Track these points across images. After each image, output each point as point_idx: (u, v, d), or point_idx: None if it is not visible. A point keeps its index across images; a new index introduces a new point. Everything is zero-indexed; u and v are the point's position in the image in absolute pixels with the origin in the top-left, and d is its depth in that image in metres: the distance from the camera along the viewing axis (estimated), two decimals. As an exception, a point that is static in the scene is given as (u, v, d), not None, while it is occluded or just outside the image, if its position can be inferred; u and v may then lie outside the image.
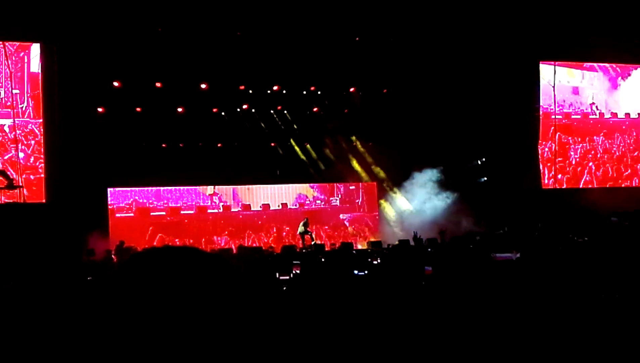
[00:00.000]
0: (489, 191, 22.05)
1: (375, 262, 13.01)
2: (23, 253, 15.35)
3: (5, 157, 18.19)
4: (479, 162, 22.80)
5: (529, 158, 22.56)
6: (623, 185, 23.80)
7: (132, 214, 21.07)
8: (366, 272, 7.71)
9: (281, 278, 11.45)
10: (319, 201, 23.40)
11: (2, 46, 18.18)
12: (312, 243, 20.86)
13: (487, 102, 21.18)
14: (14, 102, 18.20)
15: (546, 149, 22.99)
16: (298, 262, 13.61)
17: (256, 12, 18.96)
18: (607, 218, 18.43)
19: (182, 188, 21.68)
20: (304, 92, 21.92)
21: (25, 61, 18.39)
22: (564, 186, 23.10)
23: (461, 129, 21.30)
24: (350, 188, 23.58)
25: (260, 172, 21.49)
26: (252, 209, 22.47)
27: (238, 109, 21.58)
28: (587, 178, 23.55)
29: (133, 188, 21.08)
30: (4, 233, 16.33)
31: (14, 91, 18.21)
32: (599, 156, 23.77)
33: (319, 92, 22.08)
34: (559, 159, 23.13)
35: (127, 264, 1.26)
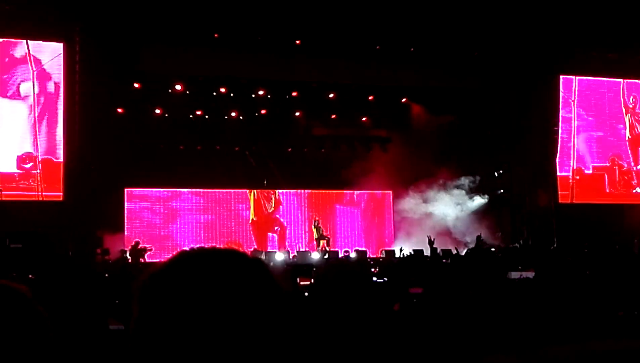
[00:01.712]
0: (505, 204, 21.98)
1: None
2: (39, 250, 15.47)
3: (23, 151, 18.31)
4: (496, 174, 22.73)
5: (546, 172, 22.42)
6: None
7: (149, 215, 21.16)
8: (385, 279, 7.69)
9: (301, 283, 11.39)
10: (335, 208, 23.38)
11: (25, 44, 18.35)
12: (326, 248, 20.82)
13: (506, 115, 21.13)
14: (35, 98, 18.35)
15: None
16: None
17: (277, 18, 19.01)
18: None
19: (199, 190, 21.73)
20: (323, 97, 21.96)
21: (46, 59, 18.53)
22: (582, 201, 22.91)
23: (479, 141, 21.25)
24: (359, 194, 23.50)
25: (276, 176, 21.55)
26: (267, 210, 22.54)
27: (256, 113, 21.63)
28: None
29: (150, 189, 21.18)
30: (20, 229, 16.45)
31: (35, 89, 18.36)
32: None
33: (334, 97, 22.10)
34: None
35: (176, 262, 1.24)
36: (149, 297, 1.19)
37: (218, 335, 1.14)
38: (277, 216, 22.72)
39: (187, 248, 1.31)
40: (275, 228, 22.58)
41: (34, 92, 18.33)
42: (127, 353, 1.20)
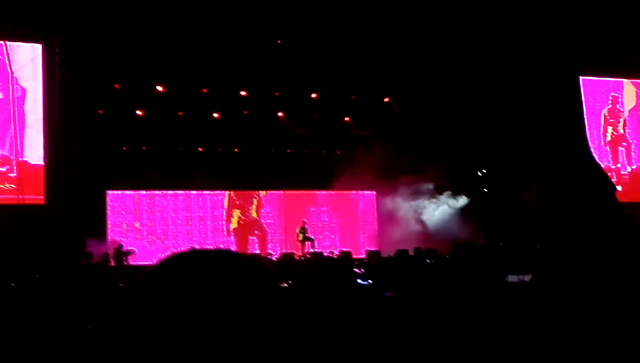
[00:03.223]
0: (489, 203, 22.02)
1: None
2: (21, 255, 15.30)
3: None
4: (479, 174, 22.78)
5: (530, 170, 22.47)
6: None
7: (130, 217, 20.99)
8: (370, 282, 7.62)
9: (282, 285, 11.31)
10: (320, 209, 23.31)
11: (3, 45, 18.16)
12: (311, 250, 20.76)
13: (488, 112, 21.15)
14: (14, 102, 18.16)
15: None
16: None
17: (259, 18, 18.96)
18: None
19: (180, 192, 21.58)
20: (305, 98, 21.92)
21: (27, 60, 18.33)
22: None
23: (463, 139, 21.27)
24: (343, 194, 23.44)
25: (259, 177, 21.45)
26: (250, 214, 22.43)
27: (244, 113, 21.53)
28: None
29: (132, 191, 21.01)
30: (1, 234, 16.28)
31: (16, 91, 18.17)
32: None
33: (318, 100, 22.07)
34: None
35: (160, 268, 1.19)
36: (141, 301, 1.15)
37: (215, 336, 1.11)
38: (259, 219, 22.60)
39: (178, 251, 1.26)
40: (256, 232, 22.46)
41: (12, 95, 18.14)
42: (121, 357, 1.16)
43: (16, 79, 18.23)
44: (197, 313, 1.11)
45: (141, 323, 1.14)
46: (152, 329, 1.12)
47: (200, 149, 21.28)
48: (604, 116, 23.99)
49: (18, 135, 18.20)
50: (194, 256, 1.21)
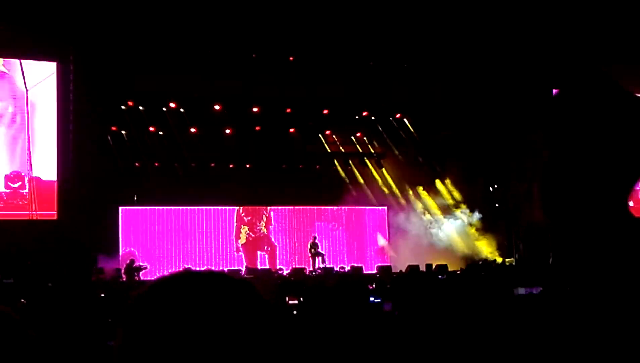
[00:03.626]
0: (501, 219, 21.97)
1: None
2: (34, 271, 15.40)
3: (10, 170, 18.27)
4: (490, 189, 22.74)
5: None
6: None
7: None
8: (379, 300, 7.58)
9: (290, 302, 11.30)
10: (330, 224, 23.29)
11: (18, 63, 18.37)
12: (321, 265, 20.71)
13: (500, 129, 21.15)
14: (28, 119, 18.34)
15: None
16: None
17: (271, 35, 19.10)
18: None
19: (192, 207, 21.63)
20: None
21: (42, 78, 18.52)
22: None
23: (475, 155, 21.27)
24: (354, 209, 23.42)
25: (271, 193, 21.48)
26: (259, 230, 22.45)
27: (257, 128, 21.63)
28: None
29: (145, 207, 21.08)
30: (15, 249, 16.39)
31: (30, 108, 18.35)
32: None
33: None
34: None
35: (150, 291, 1.18)
36: (131, 322, 1.15)
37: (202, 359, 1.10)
38: (269, 234, 22.60)
39: (170, 272, 1.28)
40: (266, 247, 22.45)
41: (26, 112, 18.32)
42: None
43: (30, 96, 18.41)
44: (186, 337, 1.11)
45: (131, 345, 1.13)
46: (142, 351, 1.12)
47: (212, 164, 21.36)
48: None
49: (31, 152, 18.35)
50: (183, 278, 1.21)
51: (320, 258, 21.08)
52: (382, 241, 22.62)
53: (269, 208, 22.55)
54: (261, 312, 1.18)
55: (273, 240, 22.59)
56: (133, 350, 1.13)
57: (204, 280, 1.20)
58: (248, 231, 22.31)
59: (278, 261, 22.14)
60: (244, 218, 22.37)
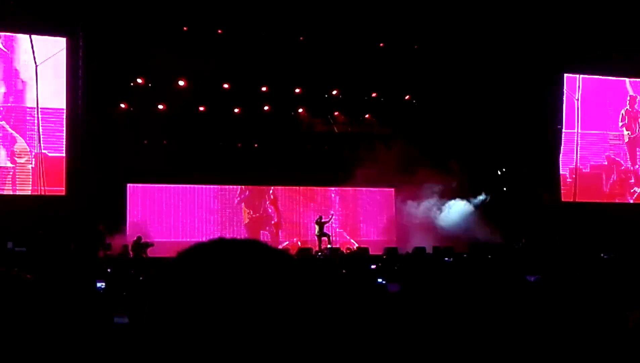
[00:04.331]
0: (508, 203, 21.93)
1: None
2: (42, 245, 15.48)
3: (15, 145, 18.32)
4: (499, 172, 22.68)
5: (550, 170, 22.39)
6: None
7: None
8: (384, 282, 7.58)
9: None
10: (338, 205, 23.31)
11: (29, 38, 18.35)
12: (328, 246, 20.74)
13: (509, 113, 21.06)
14: (37, 96, 18.36)
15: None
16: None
17: (282, 15, 19.02)
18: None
19: (200, 186, 21.66)
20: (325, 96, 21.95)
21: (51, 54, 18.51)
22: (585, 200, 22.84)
23: (483, 138, 21.21)
24: (362, 191, 23.40)
25: (278, 173, 21.47)
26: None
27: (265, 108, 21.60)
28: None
29: (153, 184, 21.12)
30: (23, 224, 16.48)
31: (38, 84, 18.37)
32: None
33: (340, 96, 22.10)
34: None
35: (182, 258, 1.09)
36: (161, 292, 1.06)
37: (237, 334, 1.01)
38: (272, 214, 22.63)
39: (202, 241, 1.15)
40: (268, 227, 22.49)
41: (36, 87, 18.34)
42: (136, 350, 1.07)
43: (40, 72, 18.41)
44: (220, 309, 1.01)
45: (160, 317, 1.04)
46: (171, 324, 1.02)
47: (220, 143, 21.34)
48: (622, 116, 23.76)
49: (40, 126, 18.39)
50: (219, 245, 1.11)
51: (326, 238, 21.13)
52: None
53: (272, 187, 22.59)
54: (304, 283, 1.09)
55: (277, 220, 22.63)
56: (161, 323, 1.04)
57: (243, 248, 1.11)
58: (249, 210, 22.36)
59: (281, 240, 22.19)
60: (247, 196, 22.41)
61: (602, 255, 15.23)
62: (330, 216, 21.73)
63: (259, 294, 1.03)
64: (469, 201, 21.92)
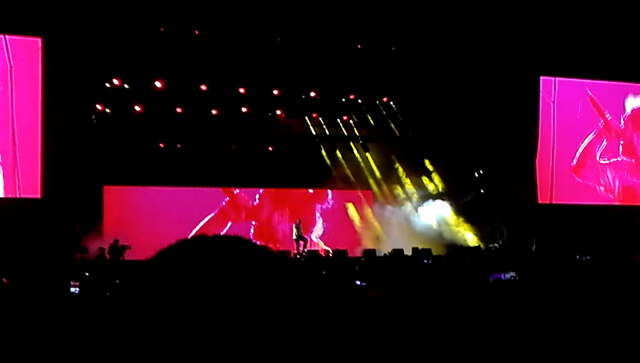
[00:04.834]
0: (485, 205, 22.05)
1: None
2: (17, 249, 15.29)
3: None
4: (476, 174, 22.80)
5: (526, 172, 22.54)
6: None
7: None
8: (365, 284, 7.56)
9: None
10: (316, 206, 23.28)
11: (3, 39, 18.13)
12: (306, 249, 20.70)
13: (485, 115, 21.18)
14: (12, 97, 18.13)
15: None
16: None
17: (259, 16, 18.97)
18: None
19: (176, 188, 21.52)
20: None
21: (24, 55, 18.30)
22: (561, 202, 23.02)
23: (460, 141, 21.31)
24: (340, 193, 23.37)
25: (256, 175, 21.42)
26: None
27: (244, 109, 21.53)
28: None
29: (129, 186, 20.95)
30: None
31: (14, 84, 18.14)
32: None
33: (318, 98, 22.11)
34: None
35: (162, 255, 1.05)
36: (136, 293, 1.01)
37: (219, 333, 0.96)
38: (252, 217, 22.57)
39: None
40: (251, 230, 22.42)
41: (10, 87, 18.11)
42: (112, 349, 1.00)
43: (15, 73, 18.19)
44: (203, 306, 0.97)
45: (139, 315, 0.99)
46: (151, 322, 0.97)
47: (197, 145, 21.24)
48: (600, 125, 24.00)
49: (15, 128, 18.16)
50: (201, 242, 1.07)
51: (302, 242, 21.10)
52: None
53: (252, 189, 22.51)
54: (288, 280, 1.05)
55: (254, 223, 22.55)
56: (134, 325, 0.99)
57: (222, 244, 1.06)
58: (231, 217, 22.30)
59: (259, 244, 22.06)
60: (227, 199, 22.33)
61: (577, 257, 15.36)
62: (297, 221, 21.59)
63: (242, 290, 0.99)
64: (446, 203, 22.02)
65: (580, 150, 23.52)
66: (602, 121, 23.97)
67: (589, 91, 23.79)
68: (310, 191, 23.07)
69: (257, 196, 22.74)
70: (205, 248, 1.05)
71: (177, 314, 0.97)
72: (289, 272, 1.06)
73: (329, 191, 22.95)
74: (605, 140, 23.98)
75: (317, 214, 23.13)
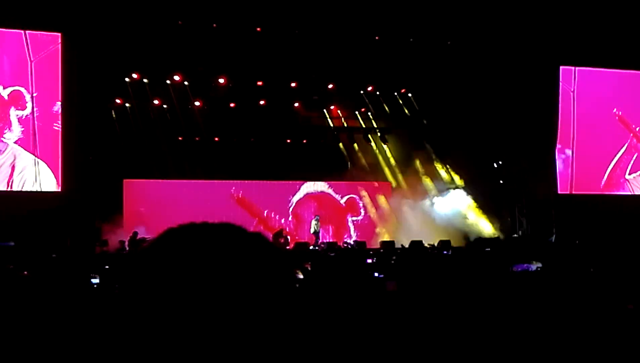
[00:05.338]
0: (505, 195, 21.93)
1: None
2: (38, 242, 15.42)
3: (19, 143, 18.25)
4: (495, 165, 22.67)
5: (546, 162, 22.36)
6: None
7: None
8: (383, 276, 7.57)
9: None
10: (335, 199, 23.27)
11: (23, 35, 18.25)
12: (321, 242, 20.76)
13: (504, 105, 21.03)
14: (32, 92, 18.25)
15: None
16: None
17: (277, 8, 18.94)
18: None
19: (198, 181, 21.60)
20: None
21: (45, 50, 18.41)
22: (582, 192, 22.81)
23: (479, 131, 21.18)
24: (359, 184, 23.36)
25: (276, 168, 21.45)
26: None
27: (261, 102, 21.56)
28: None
29: (149, 180, 21.06)
30: (19, 221, 16.41)
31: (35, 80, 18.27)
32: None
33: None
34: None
35: (162, 239, 1.06)
36: (132, 280, 1.03)
37: (210, 322, 0.97)
38: (265, 209, 22.60)
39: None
40: (260, 222, 22.45)
41: (31, 83, 18.23)
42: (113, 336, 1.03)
43: (35, 68, 18.31)
44: (193, 296, 0.97)
45: (133, 303, 1.01)
46: (144, 310, 0.99)
47: (216, 138, 21.32)
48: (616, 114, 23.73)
49: (35, 122, 18.30)
50: (190, 230, 1.09)
51: (319, 235, 21.19)
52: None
53: (271, 182, 22.54)
54: (278, 265, 1.06)
55: (273, 215, 22.58)
56: (136, 306, 1.01)
57: (212, 231, 1.09)
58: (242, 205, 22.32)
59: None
60: (241, 190, 22.36)
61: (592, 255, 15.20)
62: (316, 217, 21.60)
63: (233, 277, 1.00)
64: (465, 194, 21.92)
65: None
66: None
67: (611, 80, 23.54)
68: (330, 182, 22.96)
69: (276, 188, 22.71)
70: (194, 235, 1.07)
71: (166, 302, 0.98)
72: (279, 259, 1.07)
73: (349, 183, 22.92)
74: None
75: (337, 205, 23.11)
